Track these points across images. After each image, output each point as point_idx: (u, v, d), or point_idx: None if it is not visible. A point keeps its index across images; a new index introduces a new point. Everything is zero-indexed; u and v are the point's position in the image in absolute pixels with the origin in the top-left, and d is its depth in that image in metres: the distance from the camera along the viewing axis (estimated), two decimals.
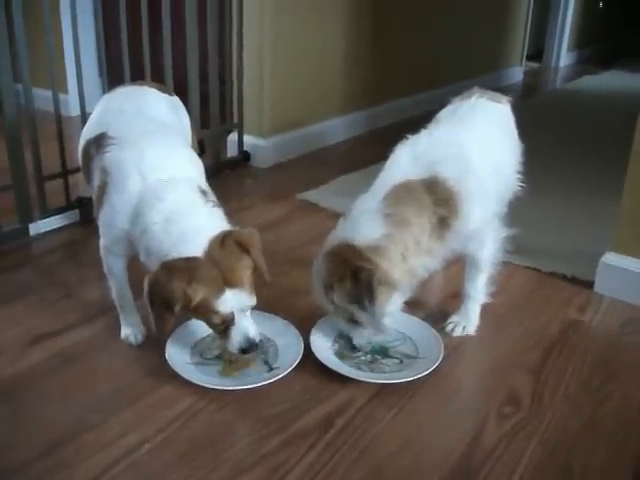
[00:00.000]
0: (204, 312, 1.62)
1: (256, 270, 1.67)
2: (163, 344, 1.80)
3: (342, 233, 1.70)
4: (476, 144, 1.84)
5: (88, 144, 1.92)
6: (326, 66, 3.74)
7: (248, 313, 1.68)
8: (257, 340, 1.69)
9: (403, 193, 1.69)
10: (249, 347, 1.68)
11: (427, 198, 1.69)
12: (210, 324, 1.68)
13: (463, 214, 1.72)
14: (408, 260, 1.66)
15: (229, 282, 1.59)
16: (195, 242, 1.60)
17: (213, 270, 1.58)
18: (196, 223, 1.65)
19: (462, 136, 1.85)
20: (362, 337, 1.80)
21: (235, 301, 1.61)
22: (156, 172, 1.71)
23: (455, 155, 1.77)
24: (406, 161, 1.77)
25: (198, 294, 1.56)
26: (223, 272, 1.58)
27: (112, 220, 1.75)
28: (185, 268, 1.56)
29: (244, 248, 1.64)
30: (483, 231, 1.84)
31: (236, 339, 1.67)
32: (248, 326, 1.67)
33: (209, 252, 1.59)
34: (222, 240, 1.62)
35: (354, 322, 1.74)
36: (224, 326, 1.66)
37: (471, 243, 1.84)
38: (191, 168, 1.82)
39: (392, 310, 1.74)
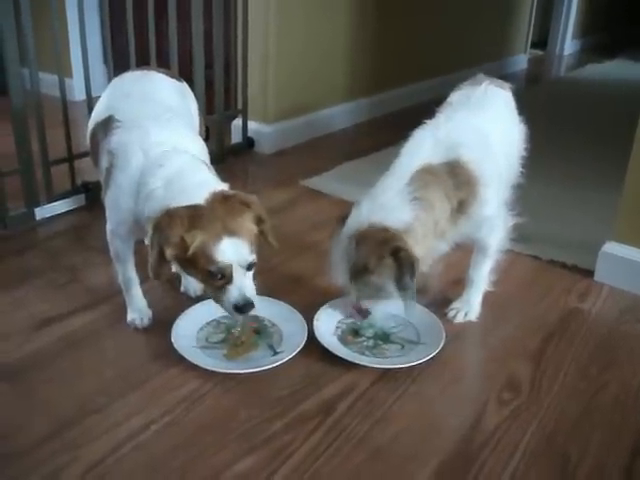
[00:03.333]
0: (202, 262, 1.58)
1: (262, 233, 1.69)
2: (169, 326, 1.83)
3: (371, 216, 1.67)
4: (493, 129, 1.88)
5: (96, 128, 1.94)
6: (331, 53, 3.74)
7: (249, 274, 1.65)
8: (254, 301, 1.64)
9: (428, 176, 1.70)
10: (245, 305, 1.63)
11: (449, 181, 1.71)
12: (208, 280, 1.64)
13: (481, 198, 1.75)
14: (427, 240, 1.68)
15: (229, 231, 1.58)
16: (197, 193, 1.61)
17: (213, 218, 1.58)
18: (198, 179, 1.67)
19: (481, 121, 1.89)
20: (381, 310, 1.80)
21: (234, 252, 1.58)
22: (159, 147, 1.73)
23: (477, 139, 1.80)
24: (428, 144, 1.77)
25: (196, 240, 1.55)
26: (223, 221, 1.58)
27: (117, 201, 1.76)
28: (186, 215, 1.57)
29: (246, 205, 1.65)
30: (495, 217, 1.86)
31: (232, 296, 1.62)
32: (246, 284, 1.63)
33: (211, 202, 1.60)
34: (224, 195, 1.63)
35: (369, 297, 1.75)
36: (222, 282, 1.62)
37: (482, 229, 1.86)
38: (195, 147, 1.83)
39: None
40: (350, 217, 1.72)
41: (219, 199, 1.62)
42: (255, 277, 1.67)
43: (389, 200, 1.68)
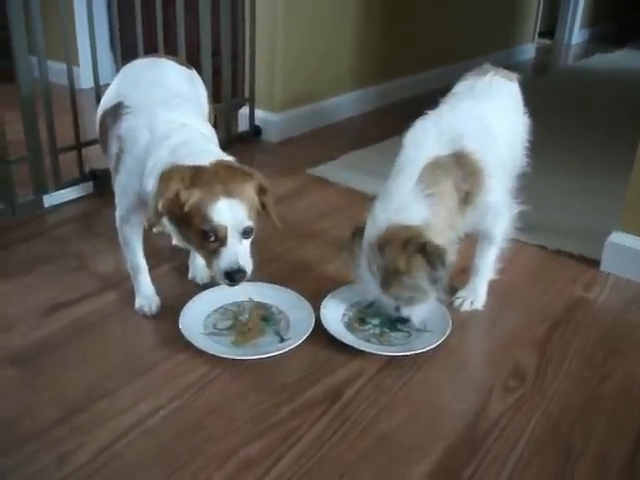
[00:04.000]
0: (197, 220, 1.57)
1: (264, 207, 1.68)
2: (177, 312, 1.84)
3: (388, 219, 1.66)
4: (496, 119, 1.89)
5: (105, 115, 1.95)
6: (338, 41, 3.74)
7: (246, 242, 1.63)
8: (247, 270, 1.61)
9: (438, 170, 1.70)
10: (235, 273, 1.59)
11: (458, 172, 1.72)
12: (201, 242, 1.61)
13: (486, 188, 1.75)
14: (444, 235, 1.69)
15: (228, 192, 1.57)
16: (203, 157, 1.63)
17: (215, 179, 1.58)
18: (205, 147, 1.70)
19: (483, 111, 1.89)
20: (420, 313, 1.79)
21: (230, 213, 1.57)
22: (166, 125, 1.74)
23: (479, 129, 1.81)
24: (432, 136, 1.77)
25: (193, 197, 1.56)
26: (224, 183, 1.58)
27: (126, 186, 1.78)
28: (188, 173, 1.58)
29: (249, 175, 1.66)
30: (500, 205, 1.86)
31: (223, 261, 1.59)
32: (240, 250, 1.60)
33: (215, 165, 1.62)
34: (229, 164, 1.65)
35: (407, 303, 1.74)
36: (216, 245, 1.59)
37: (487, 217, 1.86)
38: (204, 130, 1.84)
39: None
40: (367, 226, 1.71)
41: (223, 165, 1.63)
42: (253, 255, 1.66)
43: (403, 200, 1.68)
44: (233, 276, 1.60)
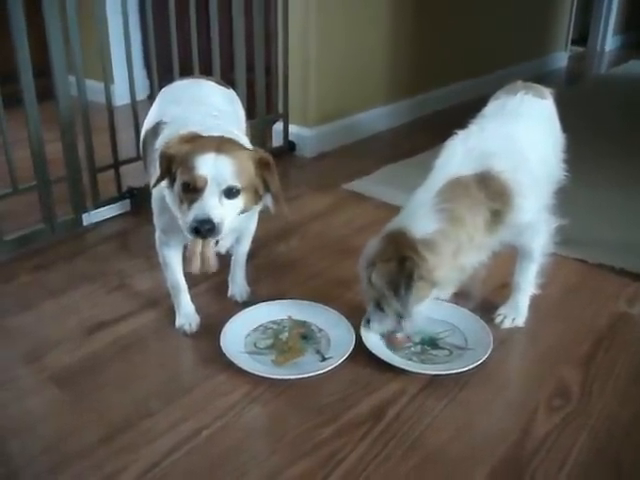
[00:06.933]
0: (182, 170, 1.55)
1: (265, 183, 1.65)
2: (216, 331, 1.85)
3: (399, 222, 1.72)
4: (526, 138, 1.86)
5: (146, 135, 1.98)
6: (370, 55, 3.74)
7: (229, 205, 1.56)
8: (215, 223, 1.51)
9: (456, 189, 1.70)
10: (202, 223, 1.50)
11: (480, 193, 1.70)
12: (182, 196, 1.56)
13: (517, 206, 1.73)
14: (460, 257, 1.68)
15: (219, 150, 1.54)
16: (219, 131, 1.66)
17: (212, 141, 1.59)
18: (229, 129, 1.71)
19: (513, 130, 1.87)
20: (381, 325, 1.81)
21: (213, 166, 1.52)
22: (201, 121, 1.77)
23: (508, 148, 1.79)
24: (458, 156, 1.77)
25: (183, 149, 1.56)
26: (219, 144, 1.58)
27: (157, 201, 1.78)
28: (191, 135, 1.62)
29: (251, 149, 1.68)
30: (536, 222, 1.85)
31: (193, 211, 1.52)
32: (214, 204, 1.52)
33: (221, 135, 1.64)
34: (240, 144, 1.66)
35: (379, 308, 1.75)
36: (193, 197, 1.53)
37: (524, 234, 1.85)
38: (241, 137, 1.85)
39: (424, 306, 1.74)
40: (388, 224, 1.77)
41: (229, 138, 1.65)
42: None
43: (416, 209, 1.72)
44: (199, 226, 1.51)
